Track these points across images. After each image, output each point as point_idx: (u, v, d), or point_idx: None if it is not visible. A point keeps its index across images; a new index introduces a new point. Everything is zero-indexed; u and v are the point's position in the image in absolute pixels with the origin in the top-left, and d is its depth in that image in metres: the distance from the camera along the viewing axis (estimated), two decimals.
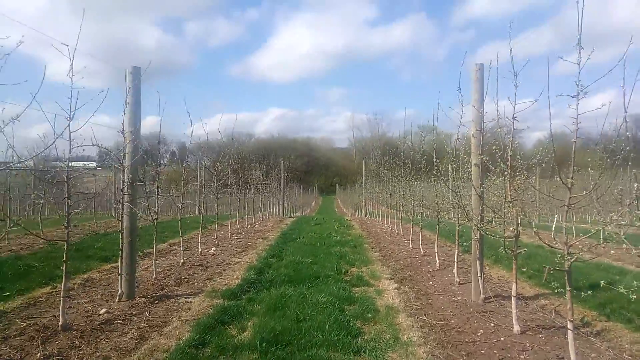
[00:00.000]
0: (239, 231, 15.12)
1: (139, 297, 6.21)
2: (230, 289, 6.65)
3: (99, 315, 5.41)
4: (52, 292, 6.48)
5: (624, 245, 3.38)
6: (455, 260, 7.42)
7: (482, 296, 6.11)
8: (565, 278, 3.74)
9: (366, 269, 8.51)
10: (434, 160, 8.36)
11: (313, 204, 74.85)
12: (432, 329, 5.03)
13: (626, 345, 4.56)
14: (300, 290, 6.50)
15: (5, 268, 7.82)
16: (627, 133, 3.43)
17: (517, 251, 4.92)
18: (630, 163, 3.56)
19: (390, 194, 15.51)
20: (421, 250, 10.27)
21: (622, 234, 3.39)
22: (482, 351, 4.39)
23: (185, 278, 7.59)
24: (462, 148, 6.66)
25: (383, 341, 4.55)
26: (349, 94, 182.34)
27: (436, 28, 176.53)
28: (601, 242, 4.37)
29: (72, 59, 4.74)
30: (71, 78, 4.71)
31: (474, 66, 6.21)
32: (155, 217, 7.24)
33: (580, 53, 3.65)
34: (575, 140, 3.67)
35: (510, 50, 4.65)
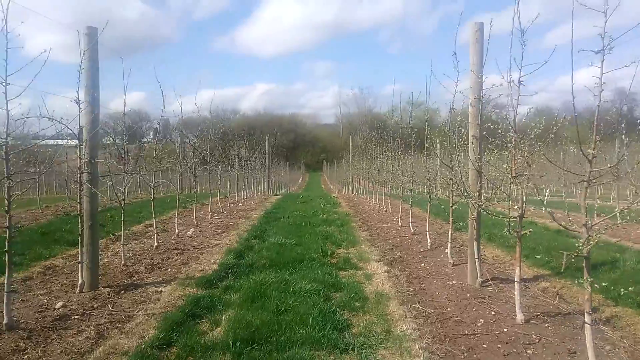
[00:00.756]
0: (221, 210, 14.52)
1: (103, 287, 5.62)
2: (205, 275, 6.10)
3: (55, 309, 4.82)
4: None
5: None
6: (449, 240, 6.96)
7: (479, 280, 5.66)
8: (584, 265, 3.24)
9: (354, 250, 8.03)
10: (426, 132, 7.79)
11: (300, 180, 74.37)
12: (427, 319, 4.56)
13: None
14: (283, 275, 5.98)
15: None
16: None
17: (522, 232, 4.43)
18: None
19: (378, 170, 15.00)
20: (411, 228, 9.82)
21: None
22: (485, 345, 3.92)
23: (158, 263, 7.01)
24: (457, 119, 6.11)
25: (373, 335, 4.06)
26: (337, 69, 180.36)
27: None
28: (619, 221, 3.86)
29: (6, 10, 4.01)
30: (6, 35, 3.99)
31: (472, 26, 5.60)
32: (123, 198, 6.59)
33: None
34: (599, 104, 3.11)
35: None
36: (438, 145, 9.83)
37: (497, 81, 5.11)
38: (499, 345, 3.91)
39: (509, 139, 4.26)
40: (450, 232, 6.99)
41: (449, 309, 4.86)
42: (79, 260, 5.45)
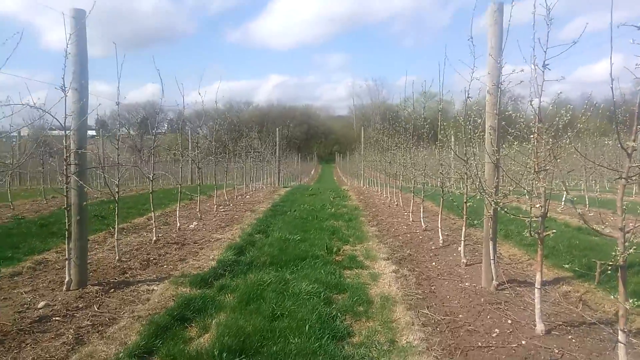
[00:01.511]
0: (227, 203, 14.21)
1: (92, 285, 5.32)
2: (201, 273, 5.77)
3: (36, 310, 4.53)
4: None
5: None
6: (463, 237, 6.51)
7: (494, 282, 5.22)
8: (619, 275, 2.80)
9: (361, 247, 7.63)
10: (439, 122, 7.31)
11: (312, 172, 74.00)
12: (436, 327, 4.15)
13: None
14: (283, 275, 5.62)
15: None
16: None
17: (545, 233, 3.98)
18: None
19: (390, 162, 14.54)
20: (422, 224, 9.37)
21: None
22: None
23: (154, 259, 6.71)
24: (473, 108, 5.64)
25: (376, 346, 3.67)
26: (350, 61, 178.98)
27: None
28: None
29: None
30: None
31: (491, 5, 5.10)
32: (117, 190, 6.27)
33: None
34: None
35: None
36: (452, 137, 9.35)
37: (516, 70, 4.69)
38: None
39: (532, 128, 3.79)
40: (463, 229, 6.54)
41: (460, 316, 4.44)
42: (67, 256, 5.14)
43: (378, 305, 4.65)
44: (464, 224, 6.56)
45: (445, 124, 6.85)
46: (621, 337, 2.79)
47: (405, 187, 14.43)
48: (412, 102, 10.04)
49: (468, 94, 5.90)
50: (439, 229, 8.01)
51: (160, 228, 9.24)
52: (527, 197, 4.02)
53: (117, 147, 6.23)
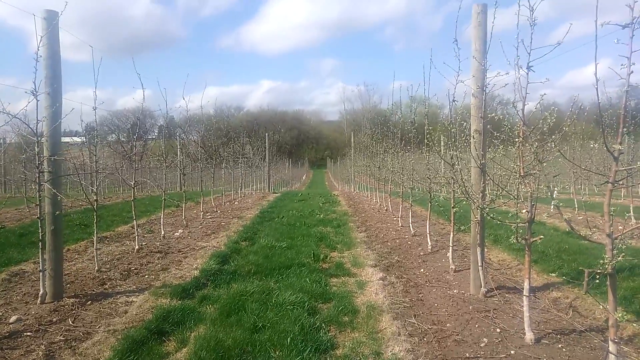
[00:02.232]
0: (214, 209, 14.01)
1: (69, 297, 5.13)
2: (183, 284, 5.60)
3: (7, 324, 4.33)
4: None
5: None
6: (451, 243, 6.41)
7: (482, 289, 5.12)
8: (608, 283, 2.69)
9: (348, 254, 7.50)
10: (425, 127, 7.23)
11: (304, 177, 73.88)
12: (423, 337, 4.02)
13: None
14: (267, 284, 5.47)
15: None
16: None
17: (532, 239, 3.88)
18: None
19: (379, 167, 14.44)
20: (411, 229, 9.27)
21: None
22: None
23: (135, 269, 6.51)
24: (458, 112, 5.56)
25: (360, 359, 3.53)
26: (342, 66, 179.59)
27: None
28: None
29: None
30: None
31: (474, 7, 5.03)
32: (95, 198, 6.09)
33: None
34: (628, 88, 2.56)
35: None
36: (442, 141, 9.30)
37: (501, 73, 4.62)
38: None
39: (517, 132, 3.71)
40: (452, 235, 6.44)
41: (448, 325, 4.32)
42: (40, 268, 4.94)
43: (364, 315, 4.52)
44: (452, 230, 6.46)
45: (431, 128, 6.75)
46: (612, 347, 2.68)
47: (395, 191, 14.35)
48: (400, 106, 9.97)
49: (453, 98, 5.83)
50: (428, 235, 7.91)
51: (144, 236, 9.04)
52: (514, 202, 3.92)
53: (95, 153, 6.04)
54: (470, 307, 4.76)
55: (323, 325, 4.22)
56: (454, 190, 6.32)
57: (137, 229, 7.91)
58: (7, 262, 6.72)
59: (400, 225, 10.43)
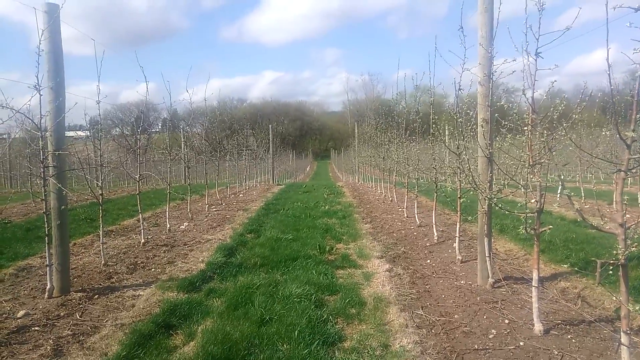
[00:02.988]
0: (219, 202, 14.01)
1: (76, 292, 5.14)
2: (189, 277, 5.60)
3: (16, 319, 4.35)
4: None
5: None
6: (457, 234, 6.37)
7: (490, 280, 5.09)
8: (620, 274, 2.65)
9: (354, 245, 7.48)
10: (431, 116, 7.16)
11: (307, 169, 73.88)
12: (431, 329, 4.00)
13: None
14: (274, 276, 5.46)
15: None
16: None
17: (541, 229, 3.84)
18: None
19: (383, 158, 14.38)
20: (417, 220, 9.23)
21: None
22: None
23: (141, 263, 6.52)
24: (465, 100, 5.49)
25: (368, 351, 3.52)
26: (345, 55, 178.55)
27: None
28: None
29: None
30: None
31: None
32: (100, 192, 6.08)
33: None
34: None
35: None
36: (447, 131, 9.21)
37: (508, 60, 4.56)
38: None
39: (526, 120, 3.64)
40: (458, 225, 6.40)
41: (456, 316, 4.30)
42: (48, 262, 4.95)
43: (371, 307, 4.50)
44: (459, 220, 6.41)
45: (436, 117, 6.69)
46: (624, 339, 2.65)
47: (400, 182, 14.30)
48: (405, 96, 9.88)
49: (459, 86, 5.75)
50: (434, 225, 7.87)
51: (149, 230, 9.05)
52: (522, 191, 3.87)
53: (99, 147, 6.02)
54: (478, 298, 4.73)
55: (330, 317, 4.20)
56: (460, 181, 6.26)
57: (142, 223, 7.91)
58: (14, 256, 6.75)
59: (405, 216, 10.39)
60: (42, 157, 4.76)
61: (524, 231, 3.74)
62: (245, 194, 17.88)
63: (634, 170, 2.58)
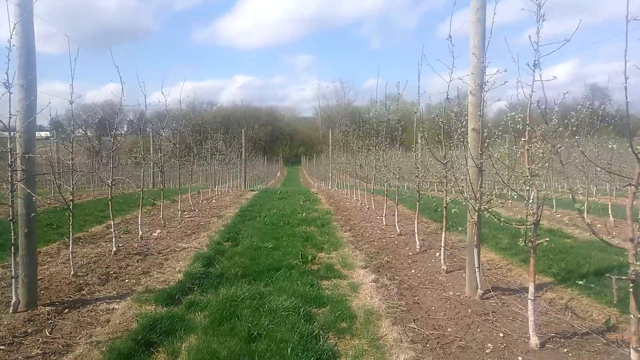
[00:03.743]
0: (192, 208, 13.63)
1: (44, 305, 4.78)
2: (167, 288, 5.33)
3: None
4: None
5: None
6: (443, 243, 6.33)
7: (479, 291, 5.05)
8: (630, 290, 2.61)
9: (336, 254, 7.35)
10: (415, 125, 7.15)
11: (278, 174, 73.48)
12: (426, 344, 3.90)
13: None
14: (257, 288, 5.26)
15: None
16: None
17: (538, 242, 3.81)
18: None
19: (360, 165, 14.35)
20: (397, 228, 9.19)
21: None
22: None
23: (114, 273, 6.18)
24: (453, 110, 5.46)
25: None
26: (318, 62, 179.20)
27: None
28: None
29: None
30: None
31: (473, 3, 4.93)
32: (71, 198, 5.73)
33: None
34: None
35: None
36: (419, 139, 9.22)
37: (500, 72, 4.58)
38: None
39: (526, 130, 3.61)
40: (443, 235, 6.36)
41: (449, 330, 4.22)
42: (13, 274, 4.59)
43: (362, 320, 4.37)
44: (444, 229, 6.38)
45: (424, 125, 6.67)
46: (634, 356, 2.60)
47: (378, 189, 14.29)
48: (387, 103, 9.86)
49: (447, 95, 5.75)
50: (416, 234, 7.83)
51: (120, 237, 8.66)
52: (520, 203, 3.83)
53: (71, 150, 5.67)
54: (469, 310, 4.67)
55: (321, 332, 4.04)
56: (446, 190, 6.24)
57: (114, 230, 7.53)
58: None
59: (384, 224, 10.34)
60: (10, 160, 4.42)
61: (522, 244, 3.70)
62: (218, 199, 17.51)
63: None
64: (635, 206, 2.66)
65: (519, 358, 3.59)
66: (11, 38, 4.35)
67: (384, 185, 11.07)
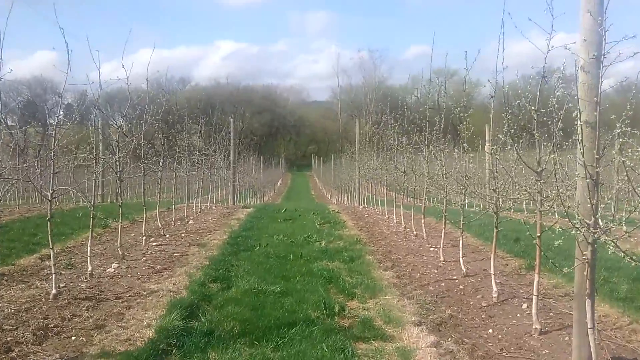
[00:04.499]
0: (161, 232, 13.70)
1: None
2: (133, 353, 5.30)
3: None
4: None
5: None
6: (535, 291, 6.20)
7: None
8: None
9: (375, 304, 7.30)
10: (491, 116, 7.06)
11: (279, 183, 74.08)
12: None
13: None
14: (264, 353, 5.27)
15: None
16: None
17: None
18: None
19: (404, 172, 14.29)
20: (462, 267, 9.09)
21: None
22: None
23: (54, 326, 6.19)
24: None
25: None
26: (337, 22, 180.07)
27: None
28: None
29: None
30: None
31: None
32: None
33: None
34: None
35: None
36: (487, 135, 9.12)
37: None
38: None
39: None
40: (536, 278, 6.24)
41: None
42: None
43: None
44: (537, 269, 6.27)
45: (507, 115, 6.59)
46: None
47: (429, 208, 14.22)
48: (444, 82, 9.84)
49: (543, 72, 5.70)
50: (492, 275, 7.71)
51: (62, 274, 8.71)
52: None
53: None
54: None
55: None
56: (541, 211, 6.14)
57: (55, 263, 7.57)
58: None
59: (442, 259, 10.27)
60: None
61: None
62: (197, 219, 17.58)
63: None
64: None
65: None
66: None
67: (440, 203, 10.98)
